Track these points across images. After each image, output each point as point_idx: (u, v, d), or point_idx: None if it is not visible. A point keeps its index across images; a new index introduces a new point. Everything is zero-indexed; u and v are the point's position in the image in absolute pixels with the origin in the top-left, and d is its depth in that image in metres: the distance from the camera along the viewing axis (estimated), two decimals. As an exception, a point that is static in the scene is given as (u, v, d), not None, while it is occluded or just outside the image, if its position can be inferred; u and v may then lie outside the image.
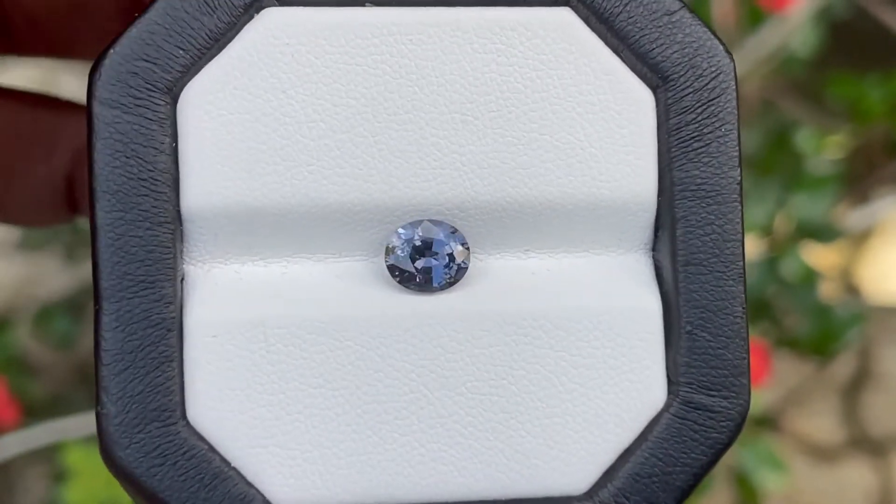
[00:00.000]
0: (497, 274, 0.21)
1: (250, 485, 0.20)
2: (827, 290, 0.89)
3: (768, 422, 0.90)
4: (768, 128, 0.85)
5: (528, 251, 0.22)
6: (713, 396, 0.21)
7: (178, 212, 0.20)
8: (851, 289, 0.98)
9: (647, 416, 0.21)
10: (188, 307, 0.20)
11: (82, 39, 0.27)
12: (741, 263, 0.21)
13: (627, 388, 0.21)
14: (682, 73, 0.21)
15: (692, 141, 0.21)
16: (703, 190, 0.21)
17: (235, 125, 0.20)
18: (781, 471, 0.79)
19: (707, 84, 0.21)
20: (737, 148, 0.21)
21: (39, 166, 0.28)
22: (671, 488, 0.21)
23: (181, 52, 0.20)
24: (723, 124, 0.21)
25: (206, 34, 0.20)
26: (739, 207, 0.21)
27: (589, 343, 0.21)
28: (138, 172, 0.20)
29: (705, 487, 0.78)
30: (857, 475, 0.96)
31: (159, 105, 0.20)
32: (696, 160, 0.21)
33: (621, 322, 0.21)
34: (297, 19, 0.21)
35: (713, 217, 0.21)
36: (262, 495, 0.20)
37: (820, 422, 0.97)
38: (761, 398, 0.85)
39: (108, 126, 0.20)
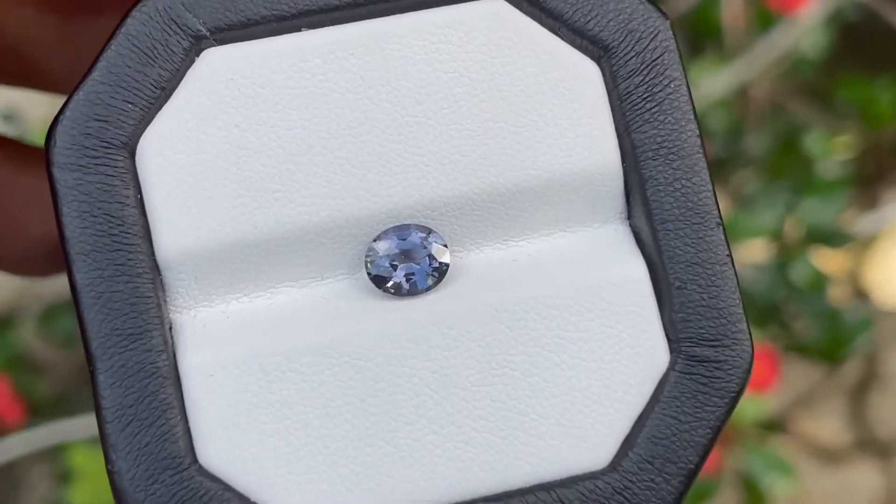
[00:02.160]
0: (479, 267, 0.21)
1: None
2: (836, 295, 0.89)
3: (776, 426, 0.90)
4: (777, 131, 0.85)
5: (507, 240, 0.22)
6: (715, 347, 0.21)
7: (155, 261, 0.20)
8: (860, 293, 0.97)
9: (655, 377, 0.21)
10: (181, 353, 0.20)
11: (64, 71, 0.27)
12: (716, 212, 0.21)
13: (629, 354, 0.21)
14: (621, 39, 0.21)
15: (644, 102, 0.21)
16: (664, 148, 0.21)
17: (195, 167, 0.20)
18: (789, 476, 0.79)
19: (647, 45, 0.21)
20: (689, 102, 0.21)
21: (37, 225, 0.28)
22: (692, 444, 0.21)
23: (130, 105, 0.20)
24: (670, 81, 0.21)
25: (152, 84, 0.21)
26: (703, 159, 0.21)
27: (583, 317, 0.21)
28: (108, 229, 0.20)
29: (712, 492, 0.77)
30: (864, 477, 0.96)
31: (118, 160, 0.20)
32: (651, 120, 0.21)
33: (611, 292, 0.21)
34: (236, 55, 0.21)
35: (679, 172, 0.21)
36: None
37: (827, 424, 0.97)
38: (769, 403, 0.85)
39: (71, 189, 0.20)
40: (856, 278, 0.97)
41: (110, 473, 0.20)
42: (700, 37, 0.84)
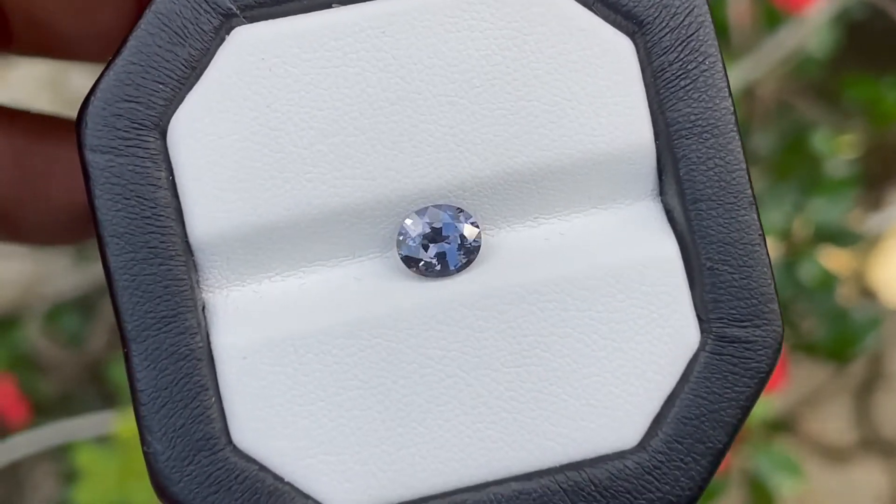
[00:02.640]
0: (511, 246, 0.21)
1: (307, 496, 0.20)
2: (843, 295, 0.89)
3: (783, 426, 0.90)
4: (784, 130, 0.85)
5: (538, 218, 0.22)
6: (746, 327, 0.21)
7: (187, 243, 0.20)
8: (867, 293, 0.97)
9: (685, 358, 0.21)
10: (214, 334, 0.21)
11: (84, 42, 0.27)
12: (749, 191, 0.21)
13: (660, 334, 0.21)
14: (656, 14, 0.21)
15: (678, 79, 0.21)
16: (698, 126, 0.21)
17: (227, 148, 0.20)
18: (797, 475, 0.78)
19: (682, 21, 0.21)
20: (724, 79, 0.21)
21: (60, 194, 0.28)
22: (721, 424, 0.21)
23: (161, 86, 0.20)
24: (705, 58, 0.21)
25: (182, 64, 0.20)
26: (737, 137, 0.21)
27: (614, 298, 0.21)
28: (141, 211, 0.20)
29: (719, 491, 0.77)
30: (869, 476, 0.96)
31: (149, 142, 0.20)
32: (685, 98, 0.21)
33: (642, 271, 0.21)
34: (267, 33, 0.21)
35: (713, 151, 0.21)
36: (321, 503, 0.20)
37: (832, 423, 0.97)
38: (776, 402, 0.85)
39: (103, 171, 0.20)
40: (862, 278, 0.97)
41: (146, 455, 0.20)
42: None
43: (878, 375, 0.99)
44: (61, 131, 0.28)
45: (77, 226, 0.28)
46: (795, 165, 0.80)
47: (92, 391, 0.90)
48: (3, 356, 0.84)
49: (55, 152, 0.28)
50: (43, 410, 0.85)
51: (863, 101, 0.85)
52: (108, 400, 0.86)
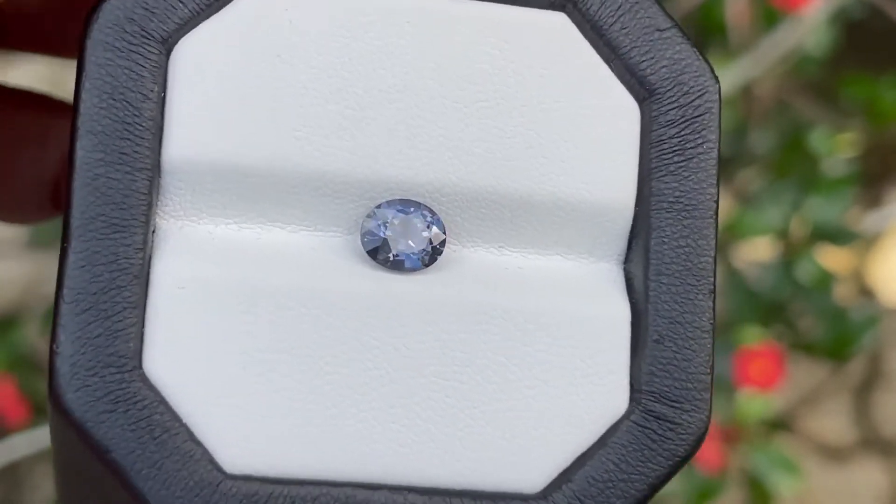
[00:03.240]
0: (471, 264, 0.21)
1: (198, 443, 0.20)
2: (841, 294, 0.89)
3: (782, 425, 0.90)
4: (783, 128, 0.85)
5: (503, 248, 0.22)
6: (674, 408, 0.21)
7: (159, 162, 0.20)
8: (865, 292, 0.97)
9: (608, 421, 0.21)
10: (156, 259, 0.20)
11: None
12: (712, 279, 0.21)
13: (590, 390, 0.21)
14: (668, 87, 0.21)
15: (673, 154, 0.21)
16: (679, 203, 0.21)
17: (225, 83, 0.20)
18: (795, 474, 0.78)
19: (692, 101, 0.21)
20: (716, 166, 0.21)
21: (28, 166, 0.27)
22: (627, 496, 0.21)
23: (181, 5, 0.20)
24: (704, 141, 0.21)
25: None
26: (714, 224, 0.21)
27: (556, 341, 0.21)
28: (123, 116, 0.20)
29: (718, 491, 0.77)
30: (868, 475, 0.96)
31: (152, 54, 0.20)
32: (675, 173, 0.21)
33: (590, 325, 0.21)
34: None
35: (688, 231, 0.21)
36: (210, 454, 0.20)
37: (831, 422, 0.97)
38: (775, 402, 0.85)
39: (100, 67, 0.20)
40: (861, 277, 0.97)
41: (51, 354, 0.19)
42: (705, 34, 0.84)
43: (877, 374, 0.99)
44: (30, 105, 0.28)
45: (44, 203, 0.28)
46: (793, 164, 0.80)
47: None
48: (2, 357, 0.84)
49: (24, 125, 0.27)
50: (42, 411, 0.85)
51: (861, 100, 0.85)
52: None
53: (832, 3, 0.84)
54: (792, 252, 0.79)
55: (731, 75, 0.81)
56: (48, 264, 0.88)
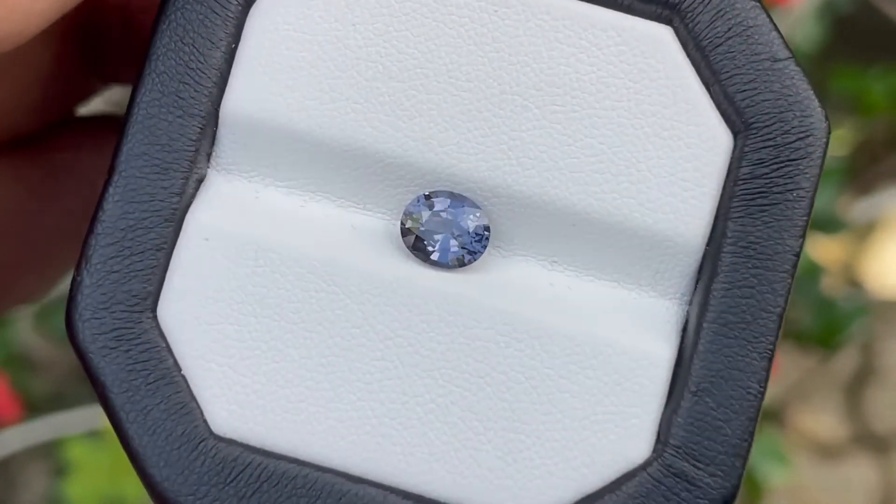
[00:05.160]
0: (514, 273, 0.20)
1: (193, 397, 0.20)
2: (830, 286, 0.89)
3: (771, 415, 0.90)
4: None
5: (556, 262, 0.20)
6: (699, 469, 0.19)
7: (216, 112, 0.20)
8: (854, 283, 0.97)
9: (623, 467, 0.19)
10: (195, 205, 0.20)
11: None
12: (773, 339, 0.19)
13: (609, 430, 0.19)
14: (767, 123, 0.20)
15: (758, 196, 0.19)
16: (753, 248, 0.19)
17: (298, 43, 0.20)
18: (785, 465, 0.78)
19: (792, 142, 0.20)
20: (804, 217, 0.19)
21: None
22: None
23: None
24: (796, 188, 0.19)
25: None
26: (789, 281, 0.19)
27: (583, 371, 0.20)
28: (188, 61, 0.20)
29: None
30: (861, 472, 0.96)
31: (231, 3, 0.20)
32: (755, 216, 0.19)
33: (624, 361, 0.20)
34: None
35: (756, 280, 0.19)
36: (202, 411, 0.20)
37: (823, 418, 0.97)
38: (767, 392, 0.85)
39: (176, 10, 0.20)
40: (849, 268, 0.97)
41: (73, 282, 0.20)
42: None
43: (869, 370, 0.99)
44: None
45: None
46: (782, 155, 0.80)
47: (84, 389, 0.90)
48: (-6, 353, 0.84)
49: None
50: (34, 407, 0.85)
51: (850, 93, 0.86)
52: (99, 395, 0.85)
53: (821, -4, 0.84)
54: (780, 241, 0.79)
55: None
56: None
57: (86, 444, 0.75)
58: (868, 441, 0.97)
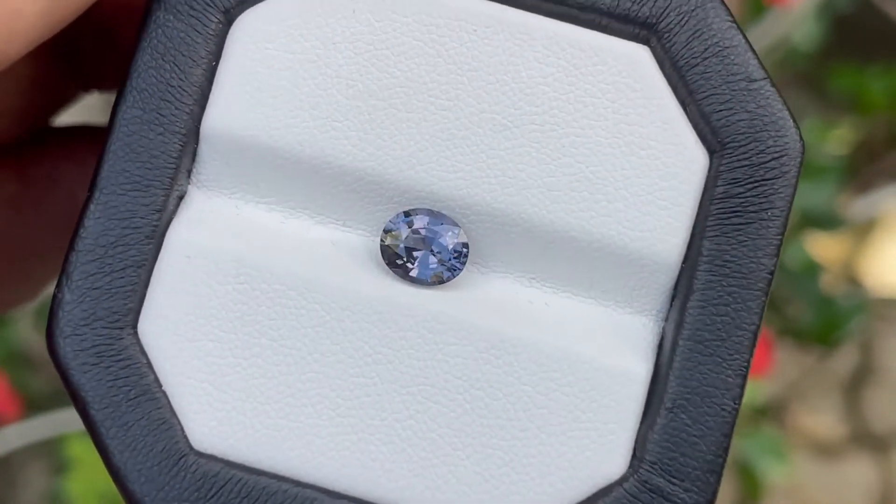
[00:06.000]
0: (492, 290, 0.21)
1: (174, 413, 0.20)
2: (829, 282, 0.89)
3: (770, 412, 0.90)
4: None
5: (533, 280, 0.21)
6: (674, 485, 0.19)
7: (198, 129, 0.20)
8: (852, 281, 0.97)
9: (599, 483, 0.20)
10: (176, 222, 0.20)
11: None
12: (748, 356, 0.20)
13: (585, 446, 0.20)
14: (743, 143, 0.20)
15: (733, 215, 0.20)
16: (728, 267, 0.20)
17: (278, 62, 0.20)
18: (784, 462, 0.78)
19: (766, 162, 0.20)
20: (778, 237, 0.20)
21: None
22: None
23: None
24: (770, 208, 0.20)
25: None
26: (762, 299, 0.20)
27: (560, 387, 0.20)
28: (169, 78, 0.20)
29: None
30: (859, 471, 0.96)
31: (211, 21, 0.20)
32: (730, 235, 0.20)
33: (601, 378, 0.20)
34: None
35: (730, 299, 0.20)
36: (182, 427, 0.20)
37: (822, 417, 0.97)
38: (763, 389, 0.85)
39: (157, 27, 0.20)
40: (847, 266, 0.97)
41: (54, 298, 0.20)
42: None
43: (867, 370, 0.99)
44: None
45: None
46: (781, 153, 0.80)
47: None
48: (-6, 351, 0.84)
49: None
50: (34, 405, 0.85)
51: (849, 91, 0.86)
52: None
53: (819, -5, 0.84)
54: (780, 238, 0.79)
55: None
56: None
57: (86, 442, 0.75)
58: (867, 440, 0.97)
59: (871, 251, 0.97)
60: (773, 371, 0.83)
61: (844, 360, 0.98)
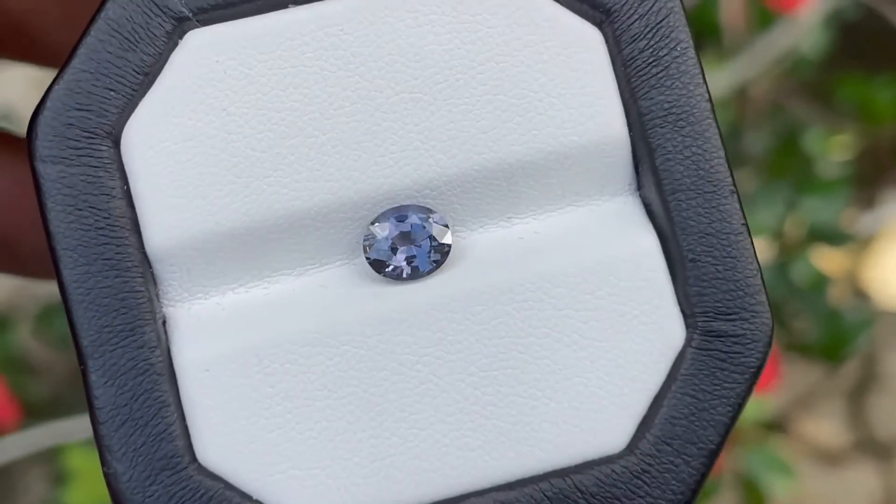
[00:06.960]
0: (484, 247, 0.21)
1: None
2: (836, 295, 0.89)
3: (776, 426, 0.90)
4: (777, 130, 0.85)
5: (511, 218, 0.21)
6: (733, 321, 0.20)
7: (144, 254, 0.20)
8: (859, 293, 0.97)
9: (671, 355, 0.20)
10: (175, 348, 0.20)
11: (67, 46, 0.27)
12: (729, 180, 0.20)
13: (643, 331, 0.20)
14: (623, 2, 0.20)
15: (650, 67, 0.20)
16: (672, 114, 0.20)
17: (182, 154, 0.20)
18: (789, 476, 0.78)
19: (651, 7, 0.20)
20: (697, 65, 0.20)
21: None
22: (712, 424, 0.20)
23: (112, 93, 0.20)
24: (677, 43, 0.20)
25: (134, 70, 0.20)
26: (714, 124, 0.20)
27: (593, 295, 0.20)
28: (94, 222, 0.20)
29: (711, 492, 0.77)
30: (863, 478, 0.96)
31: (102, 151, 0.20)
32: (658, 86, 0.20)
33: (621, 266, 0.20)
34: (221, 36, 0.20)
35: (689, 139, 0.20)
36: None
37: (826, 425, 0.97)
38: (769, 403, 0.85)
39: (55, 183, 0.20)
40: (855, 278, 0.97)
41: (107, 476, 0.19)
42: (699, 36, 0.84)
43: (871, 377, 0.99)
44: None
45: (5, 256, 0.28)
46: (788, 165, 0.80)
47: (82, 393, 0.90)
48: (-6, 358, 0.84)
49: None
50: (34, 412, 0.85)
51: (855, 101, 0.86)
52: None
53: (827, 4, 0.84)
54: (787, 253, 0.79)
55: (726, 76, 0.81)
56: (40, 265, 0.88)
57: (86, 452, 0.75)
58: (870, 448, 0.97)
59: (877, 264, 0.97)
60: (781, 385, 0.83)
61: (849, 369, 0.98)
